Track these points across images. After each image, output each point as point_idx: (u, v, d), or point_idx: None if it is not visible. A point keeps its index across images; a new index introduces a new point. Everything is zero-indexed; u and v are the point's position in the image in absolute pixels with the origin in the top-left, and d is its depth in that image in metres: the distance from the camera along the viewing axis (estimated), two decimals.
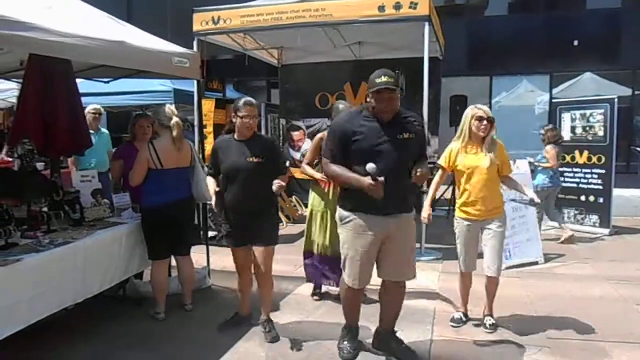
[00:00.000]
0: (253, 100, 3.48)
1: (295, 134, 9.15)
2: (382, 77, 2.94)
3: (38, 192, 3.69)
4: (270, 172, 3.38)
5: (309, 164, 4.26)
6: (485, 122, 3.58)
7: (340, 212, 3.16)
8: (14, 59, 4.70)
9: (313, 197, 4.36)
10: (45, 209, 3.70)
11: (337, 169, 3.02)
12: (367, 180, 2.80)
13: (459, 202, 3.76)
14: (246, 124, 3.38)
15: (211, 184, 3.59)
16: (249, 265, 3.62)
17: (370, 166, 2.78)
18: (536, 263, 5.56)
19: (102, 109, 6.03)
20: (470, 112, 3.66)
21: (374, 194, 2.81)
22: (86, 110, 5.72)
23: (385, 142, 2.96)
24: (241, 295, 3.80)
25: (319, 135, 4.24)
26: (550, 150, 6.51)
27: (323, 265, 4.30)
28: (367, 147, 2.95)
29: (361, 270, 3.12)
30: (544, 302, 4.34)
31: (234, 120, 3.43)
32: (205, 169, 3.84)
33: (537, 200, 3.74)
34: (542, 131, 6.74)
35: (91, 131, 5.71)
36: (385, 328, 3.37)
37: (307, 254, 4.44)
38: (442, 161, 3.77)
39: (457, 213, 3.77)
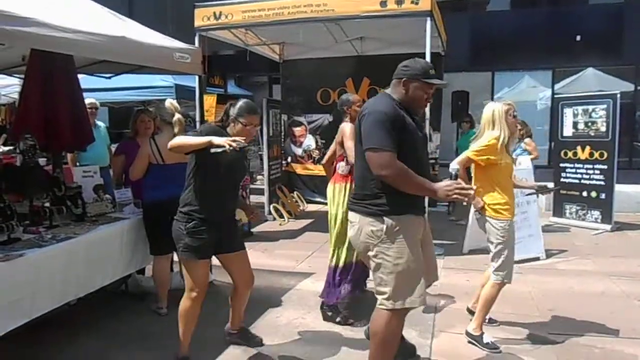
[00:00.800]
0: (257, 108, 3.15)
1: (297, 130, 9.16)
2: (433, 69, 2.65)
3: (40, 188, 3.70)
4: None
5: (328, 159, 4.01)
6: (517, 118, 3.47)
7: (377, 220, 2.57)
8: (15, 55, 4.71)
9: (341, 195, 3.91)
10: (47, 204, 3.70)
11: (405, 168, 2.43)
12: (452, 184, 2.38)
13: (502, 201, 3.44)
14: (247, 132, 3.02)
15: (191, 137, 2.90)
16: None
17: (454, 167, 2.55)
18: (538, 259, 5.56)
19: (98, 103, 6.00)
20: (502, 107, 3.43)
21: (459, 198, 2.39)
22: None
23: (419, 137, 2.64)
24: (189, 329, 3.17)
25: (349, 127, 3.77)
26: (530, 142, 6.75)
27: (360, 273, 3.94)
28: (411, 141, 2.54)
29: (422, 282, 2.65)
30: (545, 298, 4.34)
31: (232, 122, 3.03)
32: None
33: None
34: (519, 126, 6.90)
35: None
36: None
37: (349, 266, 3.89)
38: (486, 152, 3.37)
39: (502, 215, 3.44)
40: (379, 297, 2.63)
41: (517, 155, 6.61)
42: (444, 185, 2.40)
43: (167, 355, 3.22)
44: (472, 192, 2.46)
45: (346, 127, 3.85)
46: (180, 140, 2.84)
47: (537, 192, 3.71)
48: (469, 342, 3.48)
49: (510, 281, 3.45)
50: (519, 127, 6.91)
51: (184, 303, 3.09)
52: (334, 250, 3.93)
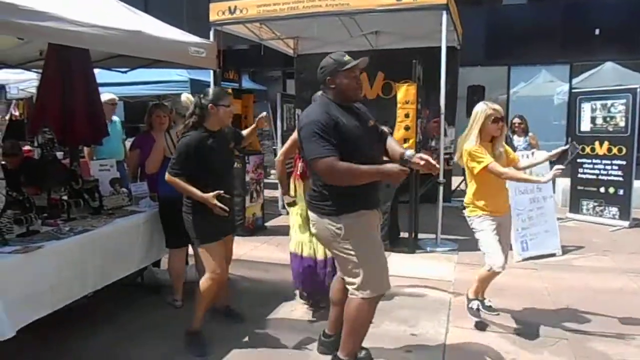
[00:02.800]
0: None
1: None
2: (346, 55, 2.73)
3: (58, 181, 3.74)
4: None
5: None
6: (500, 123, 3.45)
7: (334, 220, 2.68)
8: (33, 49, 4.77)
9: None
10: (65, 197, 3.75)
11: (347, 165, 2.52)
12: (397, 166, 2.49)
13: (477, 201, 3.54)
14: (230, 113, 3.31)
15: (185, 185, 3.14)
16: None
17: (410, 153, 2.61)
18: (554, 255, 5.50)
19: (117, 99, 6.09)
20: (485, 111, 3.43)
21: (396, 180, 2.58)
22: (103, 100, 5.80)
23: (362, 131, 2.67)
24: (205, 306, 3.35)
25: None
26: (534, 136, 7.10)
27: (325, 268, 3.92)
28: (352, 138, 2.60)
29: (385, 268, 2.82)
30: (561, 294, 4.30)
31: (212, 110, 3.18)
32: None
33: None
34: (519, 121, 7.21)
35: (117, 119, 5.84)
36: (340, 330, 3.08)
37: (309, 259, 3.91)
38: (484, 153, 3.41)
39: (472, 212, 3.57)
40: (350, 288, 2.77)
41: (523, 149, 6.58)
42: (397, 171, 2.45)
43: (183, 346, 3.25)
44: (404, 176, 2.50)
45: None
46: (180, 185, 3.15)
47: (555, 162, 3.58)
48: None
49: (499, 268, 3.50)
50: (519, 123, 6.98)
51: (206, 283, 3.24)
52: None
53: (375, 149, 2.79)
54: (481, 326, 3.62)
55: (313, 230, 2.89)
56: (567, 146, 3.58)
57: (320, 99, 2.82)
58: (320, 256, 3.84)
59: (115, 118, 6.10)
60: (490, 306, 3.85)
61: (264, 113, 3.77)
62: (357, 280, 2.71)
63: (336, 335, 3.10)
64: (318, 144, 2.53)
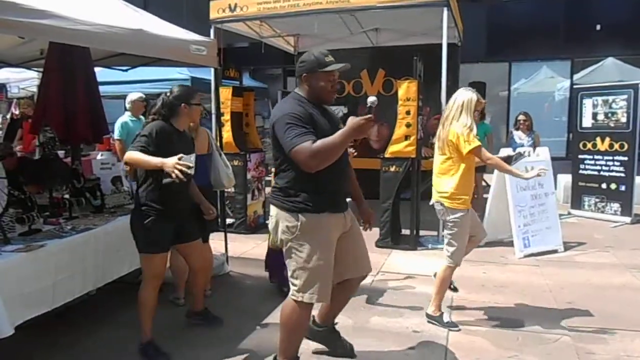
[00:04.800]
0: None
1: None
2: (329, 56, 2.66)
3: (60, 179, 3.75)
4: None
5: None
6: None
7: (292, 217, 2.61)
8: (34, 48, 4.77)
9: None
10: (66, 196, 3.76)
11: (321, 142, 2.40)
12: (358, 119, 2.36)
13: (463, 190, 3.52)
14: (199, 111, 3.28)
15: (146, 156, 2.89)
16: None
17: (372, 99, 2.56)
18: (555, 251, 5.50)
19: (144, 96, 6.20)
20: (474, 98, 3.54)
21: (363, 131, 2.39)
22: (133, 99, 5.89)
23: (332, 132, 2.50)
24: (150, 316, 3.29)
25: None
26: (539, 134, 7.12)
27: None
28: (321, 136, 2.48)
29: (329, 281, 2.71)
30: (563, 291, 4.30)
31: (184, 109, 3.12)
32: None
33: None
34: (524, 117, 7.14)
35: (134, 118, 5.87)
36: (330, 323, 3.17)
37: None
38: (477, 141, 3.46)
39: (457, 204, 3.50)
40: (291, 288, 2.72)
41: (529, 146, 6.57)
42: (360, 121, 2.35)
43: (184, 345, 3.26)
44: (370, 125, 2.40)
45: None
46: (136, 156, 2.88)
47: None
48: (429, 322, 3.61)
49: (459, 264, 3.64)
50: (524, 119, 6.98)
51: (141, 292, 3.18)
52: None
53: (345, 154, 2.68)
54: (455, 327, 3.58)
55: (270, 223, 2.78)
56: (514, 154, 3.74)
57: (292, 95, 2.73)
58: None
59: (141, 117, 6.15)
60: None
61: None
62: (298, 283, 2.66)
63: (326, 329, 3.13)
64: (294, 132, 2.44)
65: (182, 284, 4.03)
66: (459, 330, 3.54)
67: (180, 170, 2.71)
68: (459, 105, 3.53)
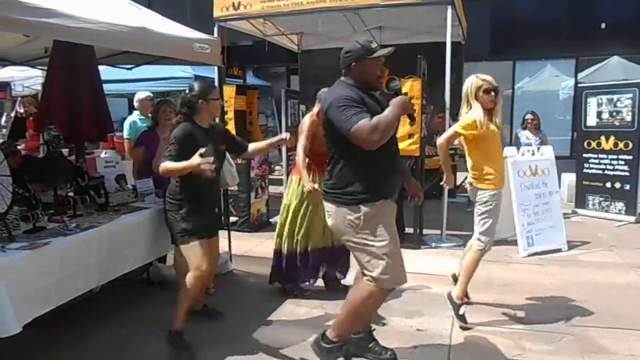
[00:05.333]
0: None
1: None
2: (374, 42, 2.74)
3: (64, 177, 3.75)
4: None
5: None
6: (492, 93, 3.55)
7: (353, 210, 2.65)
8: (38, 47, 4.78)
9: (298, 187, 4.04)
10: (71, 193, 3.76)
11: (376, 119, 2.46)
12: (400, 97, 2.57)
13: (488, 170, 3.57)
14: (218, 106, 3.35)
15: (178, 163, 2.98)
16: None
17: (395, 83, 2.70)
18: (559, 250, 5.48)
19: (152, 95, 6.32)
20: (475, 83, 3.60)
21: (407, 107, 2.55)
22: (141, 97, 5.95)
23: (380, 112, 2.60)
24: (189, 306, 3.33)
25: (309, 118, 4.02)
26: (545, 132, 7.16)
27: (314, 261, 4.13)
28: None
29: (402, 262, 2.78)
30: (567, 290, 4.29)
31: (202, 105, 3.17)
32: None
33: None
34: (532, 117, 7.18)
35: (142, 117, 5.92)
36: (367, 328, 3.15)
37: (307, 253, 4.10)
38: (460, 128, 3.54)
39: (489, 185, 3.57)
40: (365, 279, 2.73)
41: (536, 145, 6.56)
42: (401, 100, 2.55)
43: (188, 342, 3.27)
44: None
45: (306, 120, 4.04)
46: (168, 167, 3.00)
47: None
48: (449, 302, 3.66)
49: (490, 249, 3.65)
50: (532, 119, 6.95)
51: (188, 282, 3.19)
52: (289, 237, 4.08)
53: (394, 136, 2.74)
54: (464, 323, 3.58)
55: (329, 221, 2.80)
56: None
57: (339, 82, 2.77)
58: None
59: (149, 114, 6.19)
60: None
61: (287, 135, 3.67)
62: (375, 273, 2.67)
63: (365, 333, 3.11)
64: (351, 111, 2.49)
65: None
66: (468, 327, 3.53)
67: (207, 169, 2.83)
68: (463, 94, 3.63)
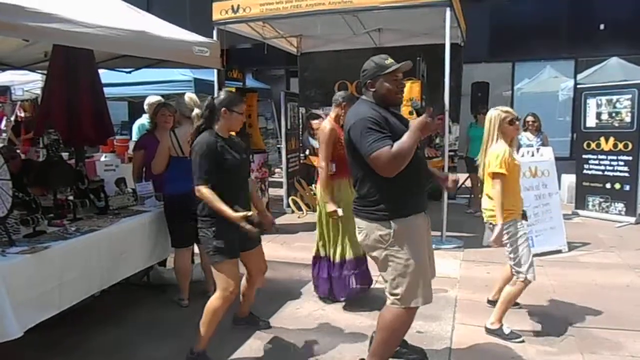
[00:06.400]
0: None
1: (315, 123, 9.13)
2: (388, 58, 2.72)
3: (64, 181, 3.76)
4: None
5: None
6: (517, 122, 3.44)
7: (384, 225, 2.61)
8: (38, 51, 4.80)
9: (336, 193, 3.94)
10: (71, 197, 3.77)
11: (397, 145, 2.46)
12: (420, 118, 2.50)
13: (505, 205, 3.37)
14: (241, 120, 3.22)
15: (217, 199, 2.94)
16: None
17: (416, 103, 2.65)
18: (560, 251, 5.48)
19: (162, 99, 6.22)
20: (498, 115, 3.43)
21: (428, 128, 2.50)
22: (151, 102, 5.94)
23: (404, 131, 2.58)
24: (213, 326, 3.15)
25: (328, 127, 3.89)
26: (546, 134, 6.98)
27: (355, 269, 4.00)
28: (398, 137, 2.53)
29: (430, 281, 2.76)
30: (568, 291, 4.28)
31: (225, 114, 3.10)
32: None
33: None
34: (532, 119, 7.01)
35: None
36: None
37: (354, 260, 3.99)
38: (502, 168, 3.32)
39: (506, 218, 3.35)
40: (391, 298, 2.70)
41: (537, 147, 6.56)
42: (425, 120, 2.49)
43: (188, 346, 3.26)
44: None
45: (325, 129, 3.90)
46: (208, 197, 2.95)
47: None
48: (488, 334, 3.47)
49: (534, 278, 3.43)
50: (533, 121, 6.90)
51: (215, 302, 3.07)
52: (334, 245, 4.00)
53: (417, 150, 2.68)
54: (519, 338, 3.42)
55: (360, 237, 2.77)
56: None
57: (361, 101, 2.77)
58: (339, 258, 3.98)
59: None
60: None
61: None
62: (400, 290, 2.64)
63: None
64: (373, 137, 2.48)
65: (185, 285, 4.03)
66: (522, 341, 3.36)
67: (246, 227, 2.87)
68: (486, 128, 3.50)
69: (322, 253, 4.08)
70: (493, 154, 3.38)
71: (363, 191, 2.69)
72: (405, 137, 2.48)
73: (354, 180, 2.78)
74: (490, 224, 3.44)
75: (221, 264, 3.05)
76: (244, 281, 3.43)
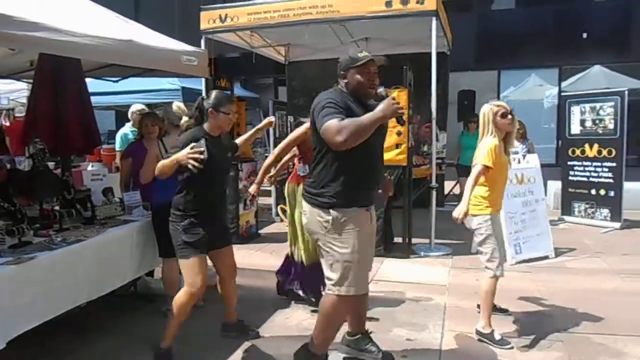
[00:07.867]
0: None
1: None
2: (363, 52, 2.82)
3: (50, 191, 3.72)
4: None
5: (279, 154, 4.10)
6: (510, 116, 3.48)
7: (324, 212, 2.73)
8: (23, 60, 4.76)
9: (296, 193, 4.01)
10: (57, 207, 3.73)
11: (351, 119, 2.50)
12: (387, 101, 2.50)
13: (485, 197, 3.47)
14: (229, 120, 3.27)
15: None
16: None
17: (381, 89, 2.73)
18: (547, 257, 5.53)
19: (146, 108, 6.17)
20: (491, 109, 3.48)
21: (392, 111, 2.48)
22: (134, 110, 5.89)
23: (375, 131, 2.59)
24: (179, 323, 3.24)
25: (305, 126, 3.80)
26: (532, 141, 7.05)
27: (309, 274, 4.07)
28: None
29: (366, 272, 2.94)
30: (555, 297, 4.32)
31: (212, 114, 3.16)
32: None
33: None
34: (518, 126, 6.98)
35: (135, 129, 5.87)
36: (362, 329, 3.23)
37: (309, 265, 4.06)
38: (487, 161, 3.36)
39: (483, 210, 3.47)
40: (328, 283, 2.83)
41: (523, 154, 6.62)
42: (385, 104, 2.49)
43: (176, 356, 3.24)
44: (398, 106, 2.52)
45: (301, 128, 3.94)
46: (160, 166, 3.03)
47: None
48: (479, 340, 3.48)
49: (502, 274, 3.49)
50: (517, 126, 6.96)
51: (182, 298, 3.14)
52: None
53: (377, 144, 2.83)
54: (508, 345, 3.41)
55: (304, 219, 2.93)
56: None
57: (331, 89, 2.83)
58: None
59: None
60: (500, 307, 3.87)
61: (272, 118, 3.86)
62: (335, 276, 2.76)
63: (361, 335, 3.20)
64: (329, 112, 2.55)
65: (173, 295, 3.99)
66: (511, 347, 3.36)
67: (194, 158, 2.83)
68: (481, 123, 3.55)
69: (294, 256, 4.17)
70: (483, 147, 3.45)
71: (314, 176, 2.82)
72: (363, 116, 2.52)
73: (312, 163, 2.88)
74: (473, 215, 3.49)
75: (188, 259, 3.09)
76: (221, 286, 3.52)
